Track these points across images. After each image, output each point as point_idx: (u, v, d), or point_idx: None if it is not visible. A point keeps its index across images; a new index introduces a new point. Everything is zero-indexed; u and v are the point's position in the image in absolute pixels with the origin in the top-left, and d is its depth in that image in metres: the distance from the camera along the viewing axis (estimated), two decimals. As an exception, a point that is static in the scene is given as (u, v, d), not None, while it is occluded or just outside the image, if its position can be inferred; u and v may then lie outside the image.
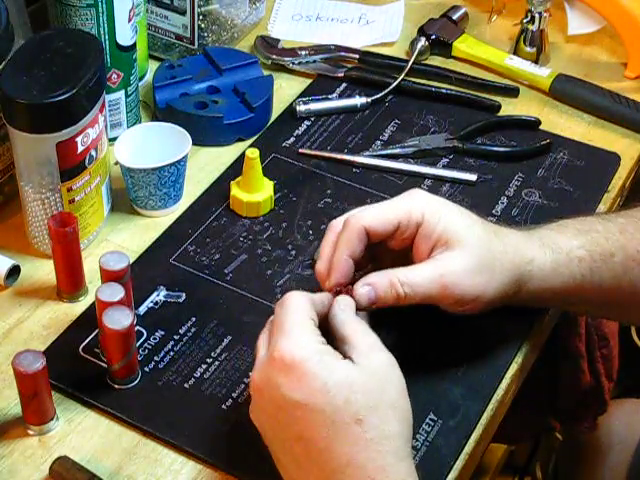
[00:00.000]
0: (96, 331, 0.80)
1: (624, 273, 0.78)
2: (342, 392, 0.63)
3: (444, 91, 1.08)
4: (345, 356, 0.65)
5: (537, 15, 1.11)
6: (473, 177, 0.98)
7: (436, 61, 1.14)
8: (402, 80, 1.08)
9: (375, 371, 0.65)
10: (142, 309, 0.83)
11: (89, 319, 0.82)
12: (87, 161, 0.84)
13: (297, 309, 0.67)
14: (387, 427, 0.64)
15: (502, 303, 0.76)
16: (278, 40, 1.13)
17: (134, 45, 0.97)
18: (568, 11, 1.16)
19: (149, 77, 1.08)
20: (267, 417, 0.66)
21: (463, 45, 1.14)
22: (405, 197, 0.76)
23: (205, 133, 1.00)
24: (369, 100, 1.06)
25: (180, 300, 0.85)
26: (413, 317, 0.80)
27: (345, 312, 0.69)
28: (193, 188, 0.96)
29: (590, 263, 0.77)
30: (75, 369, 0.79)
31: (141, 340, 0.81)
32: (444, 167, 0.99)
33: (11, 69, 0.81)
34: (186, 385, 0.78)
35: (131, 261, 0.80)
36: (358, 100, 1.06)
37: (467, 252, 0.73)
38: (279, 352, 0.64)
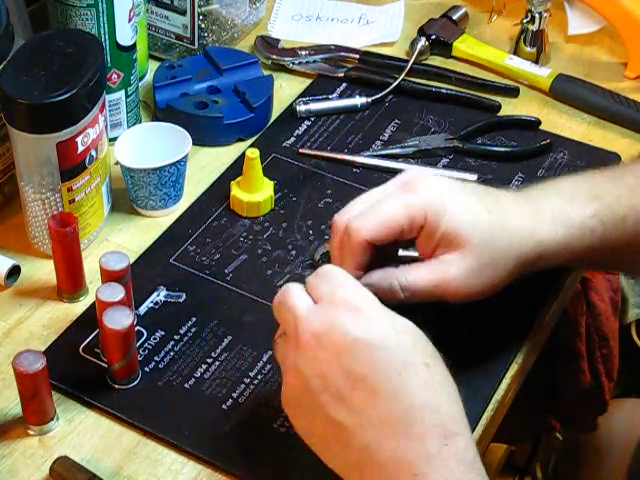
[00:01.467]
0: (96, 331, 0.80)
1: (635, 234, 0.76)
2: (410, 336, 0.63)
3: (444, 91, 1.08)
4: None
5: (537, 15, 1.11)
6: (473, 177, 0.98)
7: (436, 61, 1.14)
8: (402, 80, 1.08)
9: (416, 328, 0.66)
10: (142, 309, 0.83)
11: (89, 319, 0.82)
12: (87, 161, 0.84)
13: (341, 270, 0.67)
14: (448, 375, 0.64)
15: (506, 286, 0.75)
16: (278, 40, 1.13)
17: (134, 45, 0.97)
18: (568, 11, 1.16)
19: (149, 77, 1.08)
20: (321, 365, 0.63)
21: (463, 45, 1.14)
22: (406, 193, 0.72)
23: (205, 133, 1.00)
24: (369, 100, 1.06)
25: (180, 300, 0.85)
26: (413, 318, 0.79)
27: None
28: (193, 188, 0.96)
29: (602, 232, 0.75)
30: (75, 369, 0.79)
31: (141, 340, 0.81)
32: (444, 167, 0.99)
33: (11, 69, 0.81)
34: (186, 385, 0.78)
35: (131, 261, 0.80)
36: (358, 100, 1.06)
37: (469, 253, 0.72)
38: (342, 295, 0.64)
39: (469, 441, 0.62)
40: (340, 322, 0.63)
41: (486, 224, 0.72)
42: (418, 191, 0.72)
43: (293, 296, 0.66)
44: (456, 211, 0.72)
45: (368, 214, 0.72)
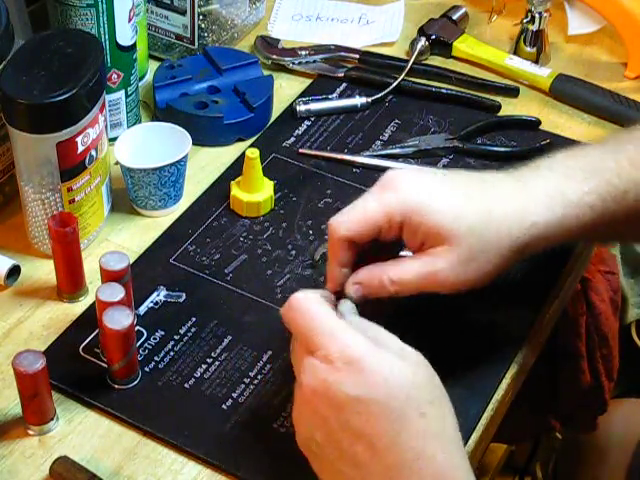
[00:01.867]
0: (96, 331, 0.80)
1: (637, 207, 0.74)
2: (405, 386, 0.63)
3: (444, 91, 1.08)
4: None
5: (537, 15, 1.11)
6: (473, 177, 0.98)
7: (436, 61, 1.14)
8: (402, 80, 1.08)
9: (419, 366, 0.65)
10: (142, 309, 0.83)
11: (89, 319, 0.82)
12: (87, 161, 0.84)
13: (321, 310, 0.66)
14: (446, 419, 0.64)
15: (505, 271, 0.74)
16: (278, 40, 1.13)
17: (134, 45, 0.97)
18: (568, 11, 1.16)
19: (149, 77, 1.08)
20: (322, 421, 0.64)
21: (463, 45, 1.14)
22: (384, 192, 0.72)
23: (205, 133, 1.00)
24: (369, 100, 1.06)
25: (180, 300, 0.85)
26: (413, 318, 0.80)
27: (358, 317, 0.69)
28: (193, 188, 0.96)
29: (602, 208, 0.73)
30: (75, 369, 0.79)
31: (141, 340, 0.81)
32: (444, 167, 0.99)
33: (11, 69, 0.81)
34: (186, 385, 0.78)
35: (131, 261, 0.80)
36: (358, 100, 1.06)
37: (456, 245, 0.71)
38: (333, 351, 0.63)
39: None
40: (333, 381, 0.63)
41: (470, 213, 0.71)
42: (397, 189, 0.72)
43: (296, 351, 0.67)
44: (437, 205, 0.71)
45: (346, 212, 0.72)
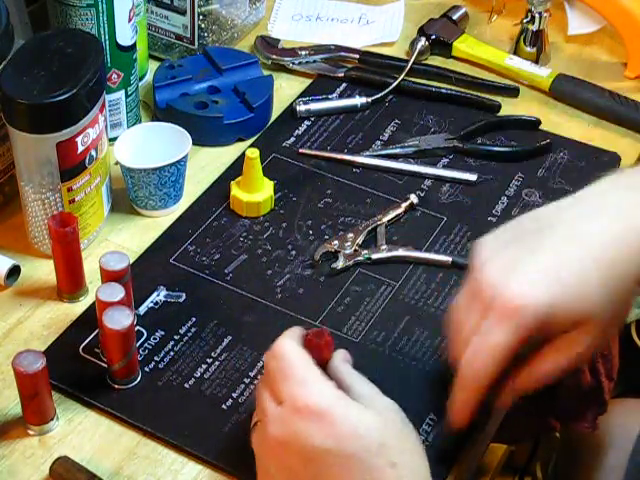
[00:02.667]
0: (96, 331, 0.80)
1: None
2: (374, 437, 0.62)
3: (444, 91, 1.08)
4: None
5: (537, 15, 1.11)
6: (473, 177, 0.98)
7: (436, 61, 1.14)
8: (402, 80, 1.08)
9: (389, 415, 0.64)
10: (142, 309, 0.83)
11: (89, 319, 0.82)
12: (87, 161, 0.84)
13: (298, 357, 0.65)
14: (417, 467, 0.63)
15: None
16: (278, 40, 1.13)
17: (134, 45, 0.97)
18: (568, 11, 1.16)
19: (149, 77, 1.08)
20: (291, 473, 0.63)
21: (463, 45, 1.14)
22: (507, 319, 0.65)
23: (205, 133, 1.00)
24: (369, 100, 1.06)
25: (180, 300, 0.85)
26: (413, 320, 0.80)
27: (346, 365, 0.68)
28: (193, 188, 0.96)
29: None
30: (75, 369, 0.79)
31: (141, 340, 0.81)
32: (444, 167, 0.99)
33: (11, 69, 0.81)
34: (186, 385, 0.78)
35: (131, 261, 0.80)
36: (358, 100, 1.06)
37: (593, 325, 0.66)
38: (302, 401, 0.63)
39: None
40: (303, 432, 0.62)
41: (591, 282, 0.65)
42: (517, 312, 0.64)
43: (261, 396, 0.66)
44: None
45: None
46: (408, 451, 0.64)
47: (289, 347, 0.66)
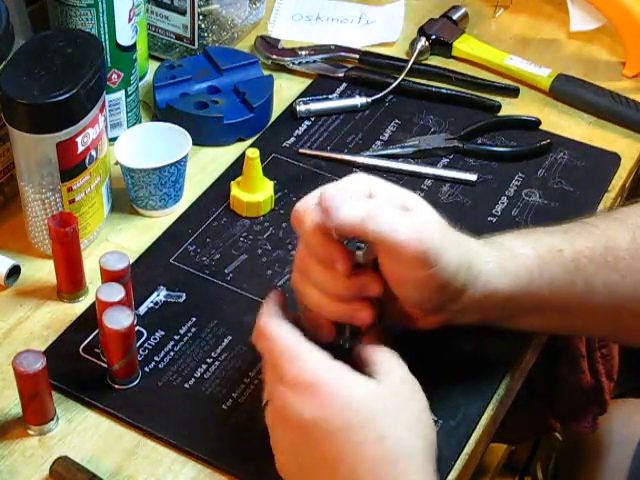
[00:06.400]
0: (96, 331, 0.80)
1: (576, 269, 0.72)
2: (364, 410, 0.62)
3: (444, 91, 1.08)
4: (370, 377, 0.65)
5: None
6: (473, 177, 0.98)
7: (436, 61, 1.14)
8: (402, 80, 1.08)
9: (398, 389, 0.65)
10: (142, 309, 0.83)
11: (89, 319, 0.82)
12: (87, 161, 0.84)
13: (285, 334, 0.66)
14: (410, 444, 0.63)
15: (448, 301, 0.71)
16: (278, 40, 1.13)
17: (134, 45, 0.97)
18: (570, 7, 1.17)
19: (149, 77, 1.08)
20: (292, 446, 0.65)
21: (463, 45, 1.14)
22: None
23: (205, 133, 1.00)
24: (369, 100, 1.06)
25: (180, 300, 0.85)
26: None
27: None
28: (193, 188, 0.96)
29: (537, 259, 0.72)
30: (75, 369, 0.79)
31: (141, 340, 0.81)
32: (444, 167, 0.99)
33: (11, 69, 0.81)
34: (186, 385, 0.78)
35: (131, 261, 0.80)
36: (358, 100, 1.06)
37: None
38: (293, 378, 0.63)
39: None
40: (293, 407, 0.63)
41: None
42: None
43: (265, 376, 0.68)
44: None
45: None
46: (403, 426, 0.63)
47: (272, 326, 0.67)
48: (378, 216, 0.65)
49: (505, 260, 0.71)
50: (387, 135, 1.03)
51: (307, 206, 0.68)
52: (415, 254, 0.65)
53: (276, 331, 0.66)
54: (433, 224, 0.68)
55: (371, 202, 0.67)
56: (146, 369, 0.79)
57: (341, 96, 1.08)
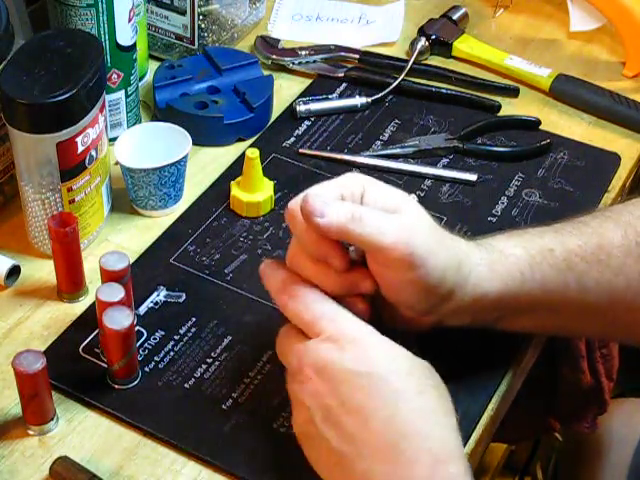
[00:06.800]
0: (96, 331, 0.80)
1: (568, 268, 0.72)
2: (405, 364, 0.65)
3: (444, 91, 1.08)
4: None
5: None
6: (473, 177, 0.98)
7: (436, 61, 1.14)
8: (402, 80, 1.08)
9: (420, 363, 0.67)
10: (142, 309, 0.83)
11: (89, 319, 0.82)
12: (87, 161, 0.84)
13: (322, 298, 0.68)
14: (445, 403, 0.65)
15: (438, 300, 0.71)
16: (278, 40, 1.13)
17: (134, 45, 0.97)
18: (570, 8, 1.17)
19: (149, 77, 1.08)
20: (321, 400, 0.65)
21: (463, 45, 1.14)
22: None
23: (205, 133, 1.00)
24: (369, 100, 1.06)
25: (180, 300, 0.85)
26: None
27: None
28: (193, 188, 0.96)
29: (528, 260, 0.72)
30: (75, 369, 0.79)
31: (141, 340, 0.81)
32: (444, 167, 0.99)
33: (11, 69, 0.81)
34: (186, 385, 0.78)
35: (131, 261, 0.80)
36: (358, 100, 1.06)
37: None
38: (338, 331, 0.65)
39: (461, 467, 0.63)
40: (337, 357, 0.65)
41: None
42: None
43: (290, 339, 0.69)
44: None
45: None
46: (437, 386, 0.65)
47: (310, 290, 0.69)
48: (363, 219, 0.66)
49: (495, 262, 0.72)
50: (387, 135, 1.03)
51: (300, 204, 0.68)
52: (401, 257, 0.67)
53: (314, 294, 0.68)
54: (420, 227, 0.68)
55: (356, 204, 0.68)
56: (146, 369, 0.79)
57: (341, 96, 1.08)
